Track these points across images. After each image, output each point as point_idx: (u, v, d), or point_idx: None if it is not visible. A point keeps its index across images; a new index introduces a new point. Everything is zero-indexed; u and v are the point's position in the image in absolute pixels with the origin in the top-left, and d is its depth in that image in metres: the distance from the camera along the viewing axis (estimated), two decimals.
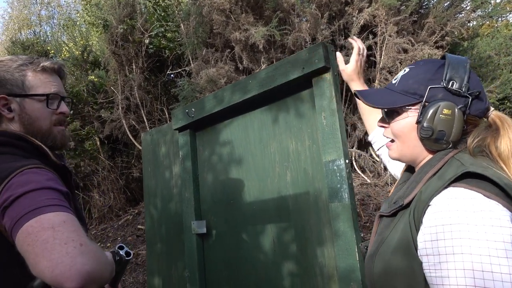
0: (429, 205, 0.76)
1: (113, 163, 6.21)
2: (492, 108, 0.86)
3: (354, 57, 1.33)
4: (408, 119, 0.89)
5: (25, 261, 0.80)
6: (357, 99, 1.26)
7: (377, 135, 1.28)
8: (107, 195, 6.00)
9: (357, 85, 1.32)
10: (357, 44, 1.34)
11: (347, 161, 1.36)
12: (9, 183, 0.86)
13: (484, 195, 0.70)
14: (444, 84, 0.83)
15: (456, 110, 0.81)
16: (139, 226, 4.84)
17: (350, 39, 1.39)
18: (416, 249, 0.76)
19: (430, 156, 0.89)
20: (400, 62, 4.21)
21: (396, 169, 1.21)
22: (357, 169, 4.37)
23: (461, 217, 0.69)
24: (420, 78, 0.87)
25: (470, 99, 0.82)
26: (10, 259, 0.90)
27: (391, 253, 0.81)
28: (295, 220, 1.56)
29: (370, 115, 1.30)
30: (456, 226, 0.69)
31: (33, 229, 0.75)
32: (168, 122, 5.51)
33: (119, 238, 4.82)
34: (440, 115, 0.82)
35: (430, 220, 0.74)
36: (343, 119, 1.41)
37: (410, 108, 0.88)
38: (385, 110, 0.96)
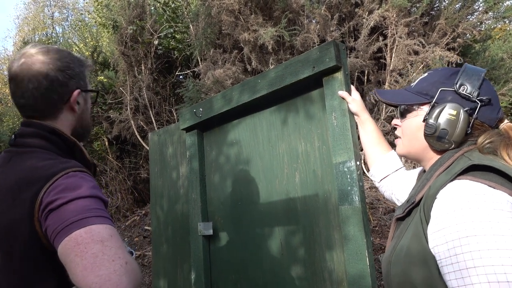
0: (436, 198, 0.79)
1: (121, 164, 6.23)
2: (506, 120, 0.90)
3: (355, 90, 1.39)
4: (417, 118, 0.95)
5: (61, 267, 0.81)
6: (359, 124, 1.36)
7: (378, 169, 1.31)
8: (114, 196, 6.02)
9: (367, 116, 1.35)
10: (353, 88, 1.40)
11: (358, 162, 1.33)
12: (55, 184, 0.86)
13: (489, 186, 0.73)
14: (455, 88, 0.88)
15: (462, 112, 0.86)
16: (146, 227, 4.84)
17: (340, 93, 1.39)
18: (427, 241, 0.78)
19: (436, 156, 0.94)
20: (411, 64, 4.15)
21: (400, 199, 1.22)
22: (366, 172, 4.32)
23: (464, 203, 0.72)
24: (434, 81, 0.94)
25: (479, 105, 0.86)
26: (45, 264, 0.88)
27: (406, 251, 0.83)
28: (303, 223, 1.52)
29: (373, 149, 1.33)
30: (459, 211, 0.71)
31: (83, 240, 0.76)
32: (176, 123, 5.51)
33: (126, 239, 4.82)
34: (445, 115, 0.87)
35: (436, 212, 0.77)
36: (354, 119, 1.37)
37: (421, 108, 0.95)
38: (400, 109, 1.02)
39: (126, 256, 0.77)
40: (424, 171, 1.04)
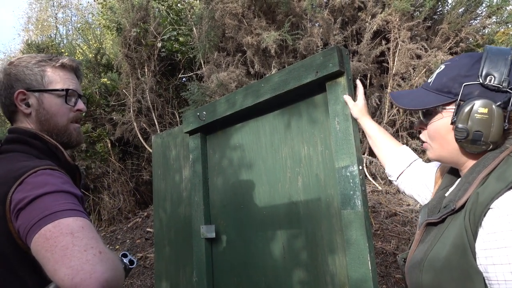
0: (490, 208, 0.70)
1: (124, 166, 6.24)
2: None
3: (361, 96, 1.35)
4: (443, 120, 0.84)
5: (38, 266, 0.78)
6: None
7: (392, 166, 1.24)
8: (117, 197, 6.03)
9: (368, 120, 1.32)
10: (361, 86, 1.37)
11: (360, 167, 1.33)
12: (23, 183, 0.85)
13: None
14: (481, 80, 0.77)
15: (494, 107, 0.75)
16: (148, 229, 4.85)
17: (357, 81, 1.40)
18: (473, 255, 0.71)
19: (472, 157, 0.83)
20: (413, 68, 4.16)
21: (421, 194, 1.15)
22: (368, 175, 4.32)
23: None
24: (455, 75, 0.82)
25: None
26: (21, 265, 0.87)
27: (444, 261, 0.75)
28: (306, 227, 1.53)
29: (382, 148, 1.28)
30: None
31: (52, 234, 0.74)
32: (179, 125, 5.53)
33: (128, 241, 4.83)
34: (476, 115, 0.76)
35: (495, 225, 0.68)
36: (356, 124, 1.38)
37: (445, 108, 0.83)
38: (423, 111, 0.91)
39: (100, 246, 0.74)
40: (454, 169, 0.95)
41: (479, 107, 0.76)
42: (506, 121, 0.76)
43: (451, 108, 0.82)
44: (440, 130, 0.85)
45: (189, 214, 2.11)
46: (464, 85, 0.79)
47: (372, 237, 1.30)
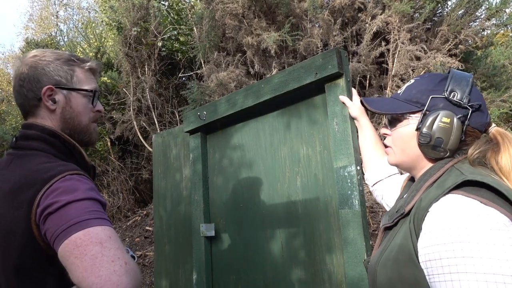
0: (428, 211, 0.78)
1: (123, 164, 6.26)
2: (493, 124, 0.91)
3: (356, 96, 1.40)
4: (408, 127, 0.94)
5: (61, 274, 0.83)
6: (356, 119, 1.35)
7: (372, 173, 1.32)
8: (116, 196, 6.05)
9: (366, 121, 1.37)
10: (354, 90, 1.42)
11: (358, 167, 1.36)
12: (53, 187, 0.87)
13: (481, 202, 0.73)
14: (446, 95, 0.88)
15: (455, 119, 0.86)
16: (147, 228, 4.86)
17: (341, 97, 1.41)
18: (417, 255, 0.78)
19: (429, 164, 0.93)
20: (412, 70, 4.18)
21: (390, 205, 1.23)
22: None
23: (460, 221, 0.72)
24: (423, 88, 0.93)
25: (470, 111, 0.86)
26: (44, 272, 0.89)
27: (393, 261, 0.83)
28: (304, 226, 1.55)
29: (368, 152, 1.34)
30: (455, 230, 0.71)
31: (82, 242, 0.78)
32: (178, 124, 5.55)
33: (127, 239, 4.85)
34: (439, 123, 0.86)
35: (429, 225, 0.76)
36: (355, 125, 1.40)
37: (411, 116, 0.93)
38: (388, 118, 1.01)
39: (125, 256, 0.79)
40: (412, 178, 1.04)
41: (443, 116, 0.86)
42: (463, 133, 0.86)
43: (417, 117, 0.92)
44: (405, 135, 0.95)
45: (189, 212, 2.13)
46: (431, 97, 0.90)
47: (369, 236, 1.32)
